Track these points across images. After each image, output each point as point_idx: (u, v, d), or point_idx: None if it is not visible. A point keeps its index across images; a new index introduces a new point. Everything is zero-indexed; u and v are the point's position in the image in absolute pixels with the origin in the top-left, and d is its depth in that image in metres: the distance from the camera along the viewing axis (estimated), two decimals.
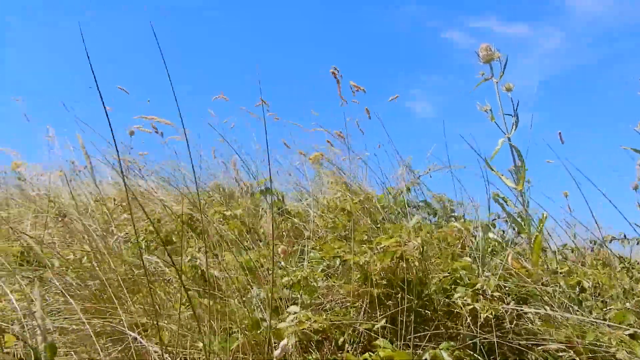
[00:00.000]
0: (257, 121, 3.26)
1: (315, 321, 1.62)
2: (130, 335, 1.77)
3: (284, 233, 2.44)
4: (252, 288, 1.97)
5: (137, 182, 2.84)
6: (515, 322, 1.90)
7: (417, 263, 1.79)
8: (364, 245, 2.07)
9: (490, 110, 2.26)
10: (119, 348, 1.91)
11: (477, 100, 2.28)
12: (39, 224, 2.78)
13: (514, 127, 2.18)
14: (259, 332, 1.74)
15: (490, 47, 2.15)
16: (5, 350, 1.45)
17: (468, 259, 1.96)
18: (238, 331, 1.87)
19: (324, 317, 1.66)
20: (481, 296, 1.79)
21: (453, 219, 2.59)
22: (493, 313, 1.69)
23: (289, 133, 3.45)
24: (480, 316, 1.71)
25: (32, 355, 1.26)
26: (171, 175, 3.07)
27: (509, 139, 2.20)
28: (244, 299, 2.04)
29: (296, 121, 3.39)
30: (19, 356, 1.62)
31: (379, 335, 1.88)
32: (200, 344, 1.85)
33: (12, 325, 1.66)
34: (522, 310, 1.92)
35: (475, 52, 2.19)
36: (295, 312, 1.64)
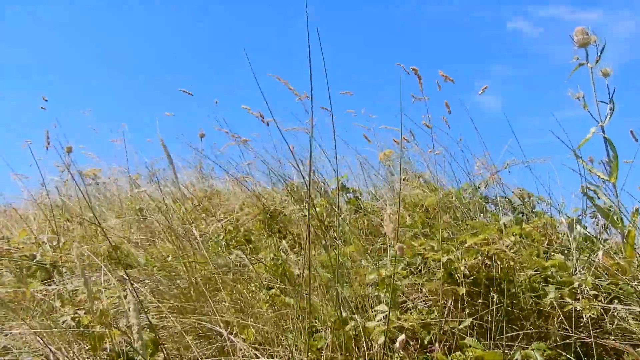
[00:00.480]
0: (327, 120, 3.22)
1: (405, 320, 1.60)
2: (221, 332, 1.81)
3: (360, 231, 2.43)
4: (334, 286, 1.97)
5: (213, 182, 2.91)
6: (610, 322, 1.82)
7: (512, 262, 1.73)
8: (446, 243, 2.03)
9: (583, 97, 2.16)
10: (207, 344, 1.96)
11: (550, 89, 2.18)
12: (121, 225, 2.89)
13: (609, 115, 2.07)
14: (346, 330, 1.73)
15: (586, 30, 2.06)
16: (107, 346, 1.51)
17: (560, 255, 1.89)
18: (323, 329, 1.88)
19: (415, 316, 1.63)
20: (579, 295, 1.72)
21: (533, 214, 2.51)
22: (595, 313, 1.62)
23: (367, 131, 3.42)
24: (583, 316, 1.64)
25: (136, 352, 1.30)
26: (263, 173, 3.08)
27: (602, 128, 2.09)
28: (326, 297, 2.05)
29: (360, 122, 3.37)
30: (117, 351, 1.69)
31: (465, 335, 1.84)
32: (287, 342, 1.87)
33: (112, 322, 1.72)
34: (616, 308, 1.83)
35: (570, 36, 2.10)
36: (384, 311, 1.63)
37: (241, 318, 1.92)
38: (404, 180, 2.62)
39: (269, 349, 1.86)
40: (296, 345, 1.85)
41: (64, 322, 1.47)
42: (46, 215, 2.53)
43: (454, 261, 1.90)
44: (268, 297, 2.00)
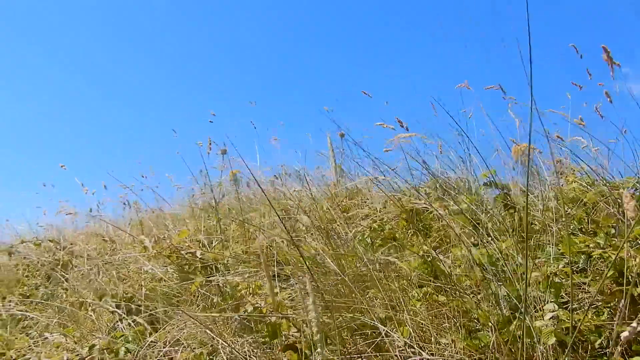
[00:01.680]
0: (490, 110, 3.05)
1: (579, 320, 1.50)
2: (377, 328, 1.83)
3: (510, 228, 2.32)
4: (490, 284, 1.91)
5: (355, 182, 2.95)
6: None
7: None
8: (615, 240, 1.89)
9: None
10: (361, 340, 1.99)
11: None
12: (266, 224, 3.03)
13: None
14: (510, 330, 1.67)
15: None
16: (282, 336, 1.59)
17: None
18: (482, 328, 1.82)
19: (589, 316, 1.53)
20: None
21: None
22: None
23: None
24: None
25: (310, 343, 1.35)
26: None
27: None
28: (479, 295, 1.99)
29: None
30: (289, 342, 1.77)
31: None
32: (444, 340, 1.84)
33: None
34: None
35: None
36: (553, 311, 1.54)
37: (396, 315, 1.92)
38: (559, 174, 2.47)
39: (427, 347, 1.85)
40: (454, 344, 1.81)
41: (244, 311, 1.57)
42: (202, 215, 2.72)
43: (627, 259, 1.75)
44: (421, 295, 1.99)
